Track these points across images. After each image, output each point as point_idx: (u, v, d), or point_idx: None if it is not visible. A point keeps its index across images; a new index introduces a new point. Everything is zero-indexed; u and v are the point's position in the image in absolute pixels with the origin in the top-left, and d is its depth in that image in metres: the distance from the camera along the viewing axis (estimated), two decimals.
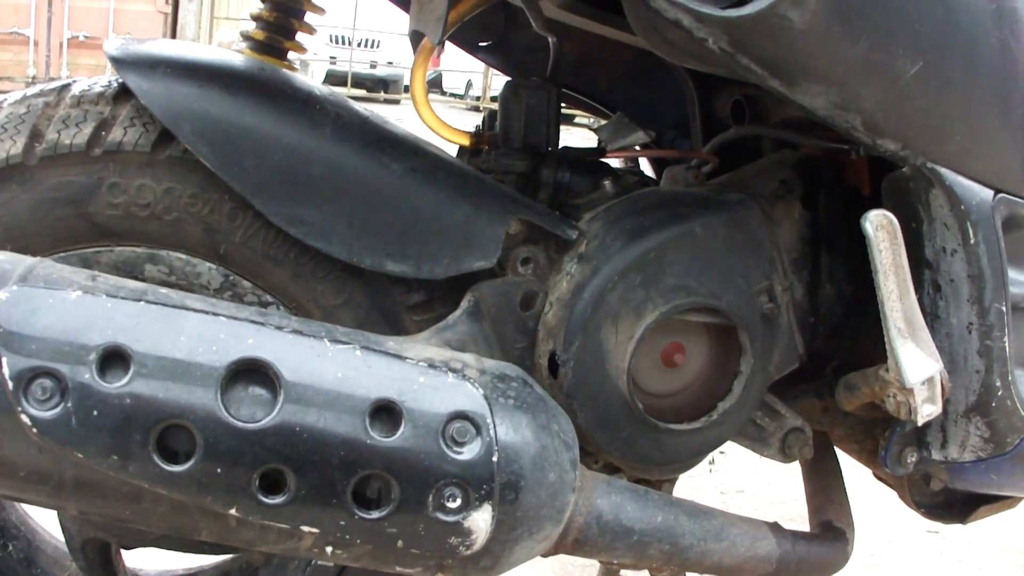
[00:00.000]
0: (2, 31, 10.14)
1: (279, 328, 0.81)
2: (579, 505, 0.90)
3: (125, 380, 0.75)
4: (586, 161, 1.09)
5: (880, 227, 0.95)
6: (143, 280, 0.96)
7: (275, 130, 0.93)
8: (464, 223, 0.95)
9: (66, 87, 0.98)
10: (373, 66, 11.94)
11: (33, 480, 0.77)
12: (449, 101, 13.07)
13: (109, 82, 0.97)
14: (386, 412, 0.80)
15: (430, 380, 0.83)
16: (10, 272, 0.79)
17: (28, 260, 0.82)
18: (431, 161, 0.97)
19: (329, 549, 0.81)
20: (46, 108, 0.95)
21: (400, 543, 0.80)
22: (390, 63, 11.98)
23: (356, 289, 0.98)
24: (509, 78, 1.15)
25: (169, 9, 10.50)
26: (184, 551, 1.04)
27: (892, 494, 1.19)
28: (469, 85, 12.60)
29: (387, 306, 0.99)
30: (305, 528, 0.79)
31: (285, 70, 1.02)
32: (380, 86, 11.94)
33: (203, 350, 0.77)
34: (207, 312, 0.80)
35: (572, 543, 0.91)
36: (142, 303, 0.79)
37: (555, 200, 1.07)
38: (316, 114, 0.95)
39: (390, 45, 11.76)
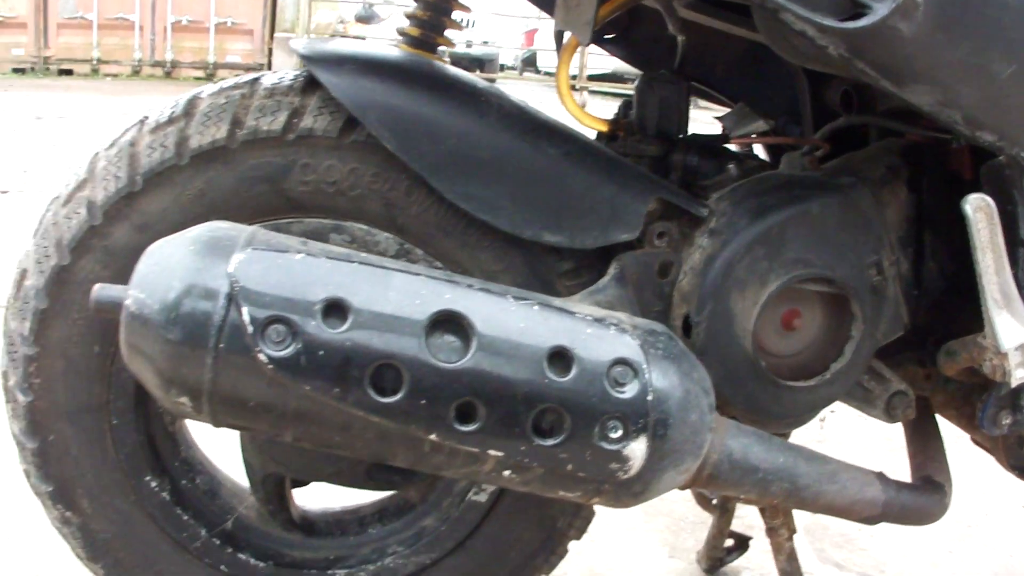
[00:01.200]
0: (108, 16, 10.62)
1: (470, 286, 0.95)
2: (714, 444, 1.02)
3: (345, 327, 0.89)
4: (712, 147, 1.21)
5: (979, 209, 1.06)
6: None
7: (447, 118, 1.06)
8: (611, 200, 1.08)
9: (257, 80, 1.12)
10: (469, 45, 12.20)
11: (261, 411, 0.91)
12: (544, 80, 13.12)
13: (295, 76, 1.11)
14: (560, 356, 0.93)
15: (596, 331, 0.96)
16: (237, 238, 0.93)
17: (248, 228, 0.96)
18: (581, 145, 1.10)
19: (507, 473, 0.94)
20: (243, 99, 1.09)
21: (570, 467, 0.93)
22: (485, 43, 12.21)
23: (515, 257, 1.11)
24: (640, 70, 1.28)
25: None
26: (351, 486, 1.18)
27: (988, 470, 1.29)
28: None
29: (542, 272, 1.12)
30: (491, 452, 0.92)
31: (450, 66, 1.15)
32: (476, 65, 12.16)
33: (409, 303, 0.91)
34: (409, 272, 0.94)
35: (706, 477, 1.03)
36: (355, 263, 0.93)
37: (684, 182, 1.19)
38: (482, 104, 1.08)
39: (485, 25, 12.00)
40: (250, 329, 0.88)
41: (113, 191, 1.08)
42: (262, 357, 0.87)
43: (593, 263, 1.13)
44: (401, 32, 1.26)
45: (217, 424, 0.94)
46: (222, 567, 1.20)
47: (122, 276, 1.09)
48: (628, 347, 0.95)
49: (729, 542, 1.60)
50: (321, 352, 0.88)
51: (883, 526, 1.87)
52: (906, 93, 0.99)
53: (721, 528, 1.58)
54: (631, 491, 0.97)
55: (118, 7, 10.64)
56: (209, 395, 0.90)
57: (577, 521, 1.21)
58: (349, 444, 0.94)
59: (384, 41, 1.27)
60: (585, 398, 0.92)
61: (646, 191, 1.09)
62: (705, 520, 1.76)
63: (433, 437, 0.91)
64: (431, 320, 0.91)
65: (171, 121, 1.09)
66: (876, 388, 1.21)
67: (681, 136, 1.21)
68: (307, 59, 1.08)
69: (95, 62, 10.72)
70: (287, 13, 11.01)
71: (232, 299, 0.88)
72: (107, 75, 10.76)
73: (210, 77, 10.86)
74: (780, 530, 1.26)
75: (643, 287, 1.11)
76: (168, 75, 10.99)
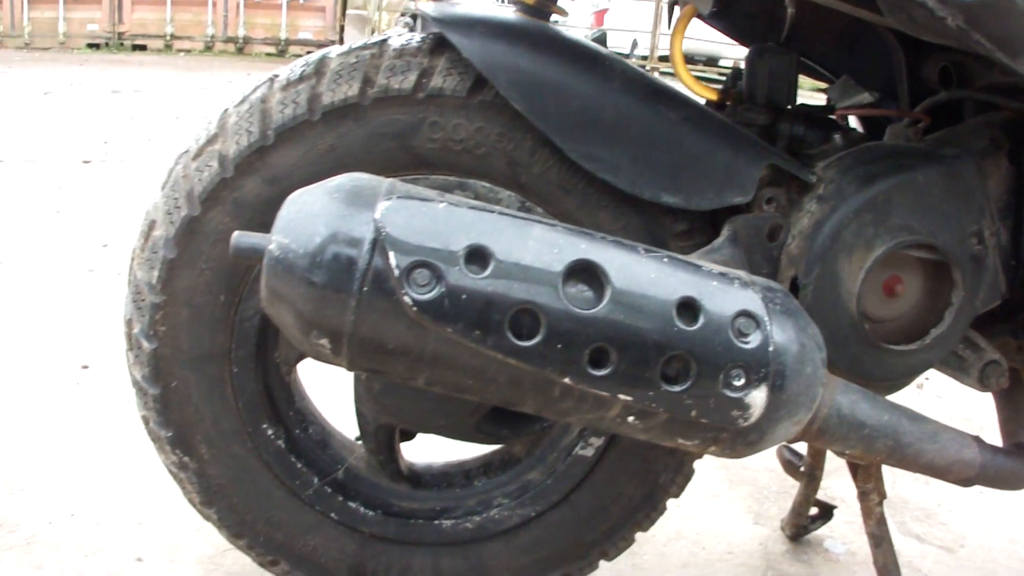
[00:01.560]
0: None
1: (603, 239, 0.98)
2: (824, 398, 1.05)
3: (487, 272, 0.92)
4: (817, 117, 1.24)
5: None
6: None
7: (573, 81, 1.10)
8: (727, 164, 1.11)
9: (385, 41, 1.16)
10: None
11: (399, 353, 0.94)
12: None
13: (423, 37, 1.15)
14: (688, 307, 0.96)
15: (720, 284, 0.99)
16: (379, 187, 0.97)
17: (387, 180, 1.00)
18: (698, 111, 1.13)
19: (631, 419, 0.98)
20: (373, 58, 1.13)
21: (693, 413, 0.96)
22: (555, 22, 12.18)
23: (632, 217, 1.15)
24: (750, 43, 1.31)
25: None
26: (460, 439, 1.22)
27: None
28: (635, 44, 12.62)
29: (656, 232, 1.16)
30: (620, 397, 0.95)
31: (600, 48, 1.19)
32: None
33: (547, 252, 0.94)
34: (546, 223, 0.98)
35: (816, 431, 1.06)
36: (495, 213, 0.97)
37: (790, 150, 1.22)
38: (606, 69, 1.12)
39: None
40: (396, 273, 0.91)
41: (245, 145, 1.12)
42: (407, 300, 0.91)
43: (703, 226, 1.17)
44: (514, 0, 1.30)
45: (352, 367, 0.97)
46: (332, 514, 1.24)
47: (250, 227, 1.14)
48: (751, 300, 0.99)
49: (814, 510, 1.63)
50: (464, 296, 0.91)
51: (963, 500, 1.91)
52: (1020, 64, 1.02)
53: (807, 495, 1.61)
54: (747, 440, 1.00)
55: None
56: (350, 337, 0.93)
57: (678, 478, 1.25)
58: (482, 388, 0.97)
59: None
60: (711, 347, 0.96)
61: (759, 157, 1.13)
62: (787, 490, 1.79)
63: (567, 381, 0.94)
64: (568, 269, 0.94)
65: (302, 79, 1.13)
66: (971, 357, 1.24)
67: (788, 106, 1.24)
68: (438, 22, 1.12)
69: (168, 38, 11.01)
70: None
71: (378, 244, 0.92)
72: (180, 50, 11.03)
73: (281, 54, 11.19)
74: (871, 495, 1.29)
75: (753, 249, 1.15)
76: (240, 51, 11.24)
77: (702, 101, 1.25)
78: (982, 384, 1.25)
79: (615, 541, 1.27)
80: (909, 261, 1.17)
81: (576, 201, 1.14)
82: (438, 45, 1.13)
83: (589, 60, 1.12)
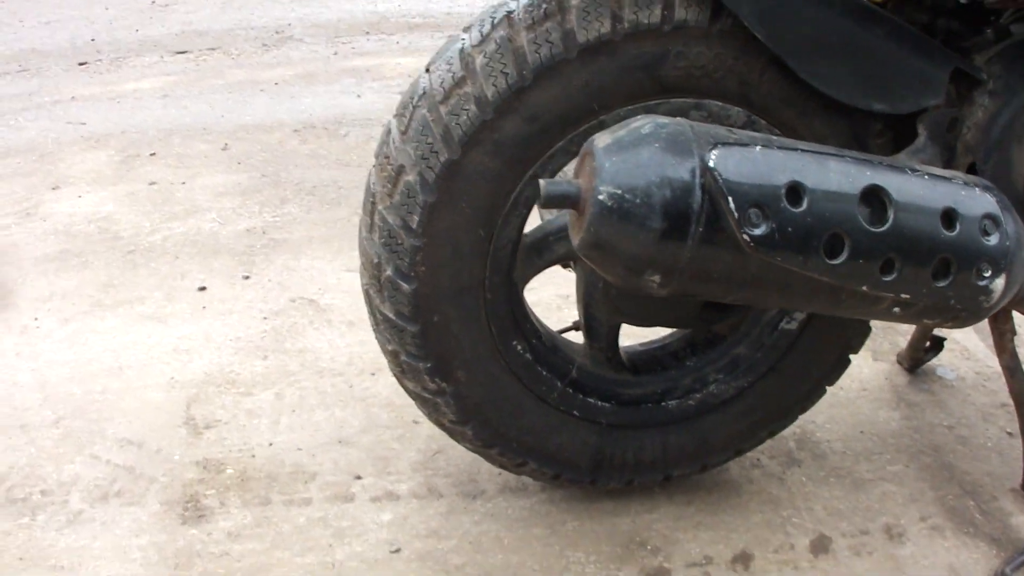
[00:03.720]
0: None
1: (880, 163, 1.11)
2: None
3: (804, 206, 1.04)
4: (970, 12, 1.36)
5: None
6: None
7: (804, 7, 1.17)
8: (922, 71, 1.23)
9: None
10: None
11: (721, 279, 1.07)
12: None
13: None
14: (949, 215, 1.11)
15: (967, 192, 1.14)
16: (687, 133, 1.04)
17: (684, 121, 1.07)
18: (897, 27, 1.23)
19: (896, 309, 1.14)
20: None
21: (952, 302, 1.14)
22: None
23: (840, 122, 1.26)
24: None
25: None
26: (682, 327, 1.37)
27: None
28: None
29: (859, 134, 1.28)
30: (901, 296, 1.12)
31: None
32: None
33: (845, 181, 1.07)
34: (836, 155, 1.09)
35: (1019, 299, 1.27)
36: (799, 151, 1.07)
37: (946, 43, 1.34)
38: None
39: None
40: (735, 215, 1.02)
41: (504, 87, 1.15)
42: (744, 237, 1.02)
43: (892, 124, 1.30)
44: None
45: (670, 293, 1.09)
46: (574, 412, 1.38)
47: (509, 164, 1.19)
48: (990, 204, 1.15)
49: (926, 344, 1.89)
50: (789, 229, 1.04)
51: None
52: None
53: (924, 331, 1.85)
54: (979, 315, 1.20)
55: None
56: (682, 271, 1.04)
57: (861, 338, 1.45)
58: (785, 300, 1.12)
59: None
60: (967, 247, 1.12)
61: (945, 62, 1.25)
62: (887, 327, 2.02)
63: (864, 288, 1.10)
64: (862, 193, 1.07)
65: (547, 16, 1.15)
66: None
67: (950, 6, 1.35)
68: None
69: None
70: None
71: (713, 190, 1.01)
72: None
73: None
74: (1006, 334, 1.52)
75: (935, 141, 1.30)
76: None
77: None
78: None
79: (813, 397, 1.48)
80: None
81: (795, 112, 1.24)
82: None
83: None
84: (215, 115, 3.51)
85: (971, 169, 1.31)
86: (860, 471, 1.64)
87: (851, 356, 1.47)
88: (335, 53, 4.27)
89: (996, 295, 1.16)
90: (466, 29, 1.22)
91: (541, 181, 1.05)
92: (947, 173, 1.17)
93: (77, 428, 1.75)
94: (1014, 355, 1.53)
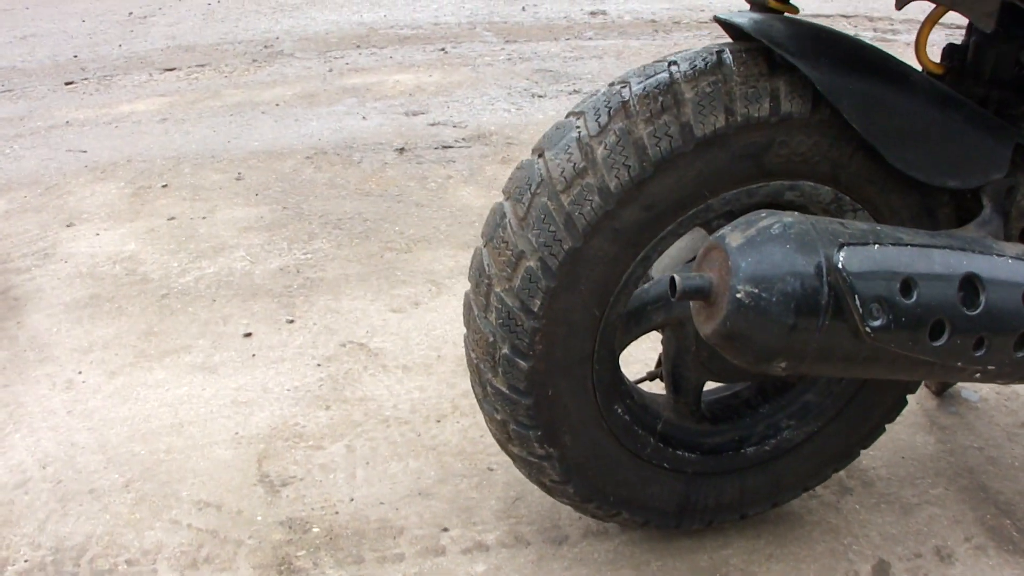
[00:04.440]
0: None
1: (974, 250, 1.20)
2: None
3: (914, 298, 1.13)
4: (1020, 83, 1.45)
5: None
6: (781, 204, 1.30)
7: (894, 98, 1.25)
8: (989, 149, 1.32)
9: (722, 63, 1.23)
10: None
11: (842, 361, 1.15)
12: None
13: (749, 53, 1.24)
14: None
15: None
16: (811, 232, 1.12)
17: (808, 217, 1.14)
18: (970, 110, 1.32)
19: (978, 375, 1.23)
20: (724, 84, 1.21)
21: None
22: None
23: (914, 195, 1.35)
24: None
25: None
26: (757, 380, 1.46)
27: None
28: None
29: (930, 205, 1.36)
30: (991, 367, 1.21)
31: (888, 53, 1.31)
32: None
33: (947, 272, 1.16)
34: (938, 246, 1.18)
35: None
36: (907, 247, 1.15)
37: (999, 112, 1.43)
38: (911, 83, 1.27)
39: None
40: (860, 309, 1.10)
41: (627, 179, 1.21)
42: (866, 329, 1.11)
43: (956, 194, 1.39)
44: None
45: (794, 373, 1.17)
46: (665, 464, 1.46)
47: (625, 248, 1.25)
48: None
49: None
50: (903, 319, 1.12)
51: None
52: None
53: None
54: None
55: None
56: (809, 358, 1.13)
57: (917, 384, 1.54)
58: (891, 374, 1.20)
59: None
60: None
61: (1008, 138, 1.34)
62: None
63: (959, 364, 1.19)
64: (960, 283, 1.16)
65: (664, 109, 1.21)
66: None
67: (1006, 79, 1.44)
68: (772, 42, 1.21)
69: None
70: None
71: (839, 287, 1.09)
72: None
73: None
74: None
75: (998, 211, 1.39)
76: None
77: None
78: None
79: (875, 435, 1.57)
80: None
81: (877, 189, 1.32)
82: (774, 64, 1.23)
83: (900, 76, 1.27)
84: (221, 141, 3.50)
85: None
86: (906, 496, 1.75)
87: (908, 396, 1.57)
88: (330, 70, 4.28)
89: None
90: (577, 115, 1.28)
91: (676, 276, 1.11)
92: (1022, 250, 1.27)
93: (149, 491, 1.76)
94: None
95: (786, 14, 1.42)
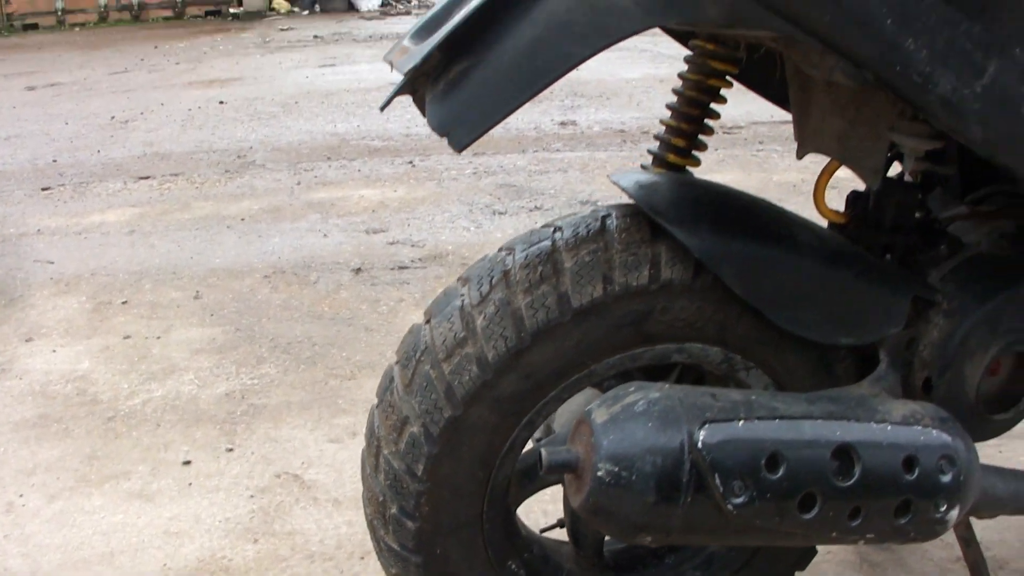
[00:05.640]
0: None
1: (847, 420, 1.22)
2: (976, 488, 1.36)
3: (780, 473, 1.15)
4: (924, 229, 1.50)
5: None
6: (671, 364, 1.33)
7: (777, 256, 1.28)
8: (886, 303, 1.34)
9: (604, 230, 1.28)
10: None
11: (703, 533, 1.18)
12: None
13: (632, 219, 1.28)
14: (909, 462, 1.22)
15: (925, 436, 1.24)
16: (680, 409, 1.14)
17: (673, 390, 1.17)
18: (862, 262, 1.35)
19: (860, 542, 1.24)
20: (603, 253, 1.25)
21: (911, 533, 1.24)
22: None
23: (810, 353, 1.37)
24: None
25: None
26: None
27: None
28: None
29: (827, 361, 1.39)
30: (867, 535, 1.22)
31: (776, 205, 1.35)
32: None
33: (817, 443, 1.18)
34: (809, 417, 1.20)
35: (971, 510, 1.38)
36: (776, 421, 1.18)
37: (902, 260, 1.47)
38: (798, 240, 1.31)
39: None
40: (720, 488, 1.12)
41: (504, 350, 1.24)
42: (729, 507, 1.12)
43: (856, 348, 1.41)
44: (656, 155, 1.44)
45: (657, 545, 1.18)
46: None
47: (506, 418, 1.28)
48: (946, 442, 1.25)
49: None
50: (768, 494, 1.14)
51: None
52: None
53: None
54: (934, 538, 1.30)
55: None
56: (676, 531, 1.14)
57: None
58: (767, 543, 1.22)
59: None
60: (926, 488, 1.23)
61: (906, 290, 1.36)
62: None
63: (833, 535, 1.20)
64: (832, 453, 1.18)
65: (543, 279, 1.25)
66: None
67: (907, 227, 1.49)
68: (656, 212, 1.25)
69: (60, 13, 10.44)
70: None
71: (702, 466, 1.12)
72: (73, 25, 10.45)
73: (179, 16, 10.78)
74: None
75: (895, 366, 1.42)
76: (136, 19, 10.82)
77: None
78: None
79: None
80: (1009, 352, 1.48)
81: (769, 349, 1.35)
82: (657, 229, 1.27)
83: (789, 235, 1.31)
84: (184, 256, 3.57)
85: (927, 383, 1.43)
86: None
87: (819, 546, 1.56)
88: (298, 183, 4.38)
89: (950, 523, 1.26)
90: (463, 281, 1.32)
91: (543, 450, 1.14)
92: (908, 410, 1.28)
93: None
94: (968, 526, 1.64)
95: (687, 167, 1.47)
